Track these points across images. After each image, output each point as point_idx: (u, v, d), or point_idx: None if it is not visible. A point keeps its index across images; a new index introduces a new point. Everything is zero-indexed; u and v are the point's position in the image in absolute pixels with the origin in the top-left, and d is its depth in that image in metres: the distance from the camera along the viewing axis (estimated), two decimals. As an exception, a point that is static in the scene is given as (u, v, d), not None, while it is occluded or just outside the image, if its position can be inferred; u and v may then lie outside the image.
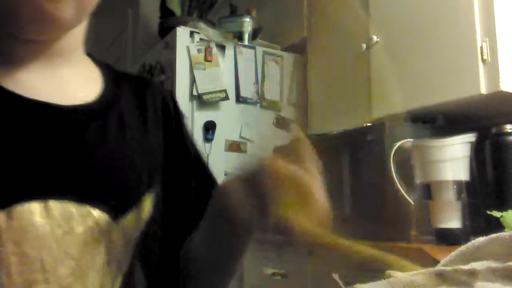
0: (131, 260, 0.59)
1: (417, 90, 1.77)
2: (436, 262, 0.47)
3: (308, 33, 2.42)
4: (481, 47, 1.56)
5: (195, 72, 2.25)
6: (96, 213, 0.55)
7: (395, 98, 1.87)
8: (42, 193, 0.53)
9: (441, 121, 1.81)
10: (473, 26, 1.59)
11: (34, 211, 0.51)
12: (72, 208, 0.54)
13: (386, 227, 1.58)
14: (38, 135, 0.55)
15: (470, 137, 1.44)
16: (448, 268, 0.41)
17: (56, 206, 0.53)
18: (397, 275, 0.45)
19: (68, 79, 0.62)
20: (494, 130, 1.53)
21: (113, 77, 0.68)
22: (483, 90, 1.55)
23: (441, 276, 0.42)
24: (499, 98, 1.58)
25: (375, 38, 1.96)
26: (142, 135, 0.66)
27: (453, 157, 1.43)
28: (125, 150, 0.62)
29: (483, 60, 1.56)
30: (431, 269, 0.43)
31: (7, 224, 0.50)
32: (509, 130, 1.51)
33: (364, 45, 2.01)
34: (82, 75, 0.65)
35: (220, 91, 2.28)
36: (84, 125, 0.59)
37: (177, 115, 0.73)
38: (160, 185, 0.66)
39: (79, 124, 0.58)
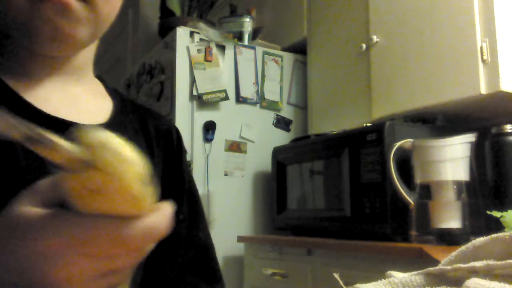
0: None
1: (417, 90, 1.77)
2: (436, 262, 0.47)
3: (308, 33, 2.42)
4: (481, 47, 1.56)
5: (195, 72, 2.25)
6: None
7: (395, 98, 1.87)
8: None
9: (441, 121, 1.81)
10: (473, 26, 1.59)
11: None
12: None
13: (386, 227, 1.58)
14: None
15: (470, 137, 1.44)
16: (448, 267, 0.41)
17: None
18: (397, 275, 0.45)
19: (79, 97, 0.62)
20: (494, 130, 1.54)
21: (122, 102, 0.69)
22: (483, 90, 1.55)
23: (441, 276, 0.42)
24: (499, 98, 1.58)
25: (375, 38, 1.97)
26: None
27: (453, 157, 1.43)
28: None
29: (483, 60, 1.56)
30: (431, 268, 0.43)
31: None
32: (509, 130, 1.51)
33: (364, 45, 2.01)
34: (92, 95, 0.66)
35: (220, 91, 2.28)
36: None
37: (179, 148, 0.74)
38: None
39: None
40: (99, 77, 0.71)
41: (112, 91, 0.70)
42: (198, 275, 0.72)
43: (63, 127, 0.56)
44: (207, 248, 0.75)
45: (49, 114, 0.56)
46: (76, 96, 0.62)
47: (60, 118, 0.57)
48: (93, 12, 0.56)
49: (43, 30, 0.54)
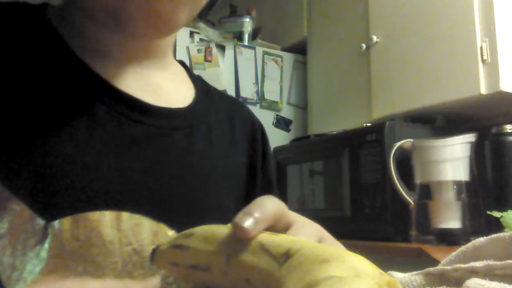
0: None
1: (417, 90, 1.77)
2: (436, 262, 0.47)
3: (308, 33, 2.42)
4: (481, 47, 1.56)
5: (195, 72, 2.25)
6: (171, 233, 0.49)
7: (395, 98, 1.87)
8: (117, 200, 0.47)
9: (441, 121, 1.81)
10: (473, 26, 1.59)
11: (102, 221, 0.45)
12: (145, 224, 0.47)
13: (386, 227, 1.58)
14: (126, 135, 0.50)
15: (470, 137, 1.44)
16: (448, 267, 0.41)
17: (128, 219, 0.46)
18: (397, 275, 0.45)
19: (160, 81, 0.58)
20: (494, 130, 1.53)
21: (205, 89, 0.65)
22: (483, 90, 1.55)
23: (441, 276, 0.42)
24: (499, 98, 1.58)
25: (375, 38, 1.96)
26: (227, 155, 0.61)
27: (453, 157, 1.43)
28: (210, 169, 0.57)
29: (483, 60, 1.56)
30: (431, 269, 0.43)
31: (71, 234, 0.44)
32: (509, 130, 1.51)
33: (364, 45, 2.01)
34: (173, 80, 0.61)
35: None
36: (173, 130, 0.55)
37: (264, 142, 0.69)
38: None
39: (168, 128, 0.54)
40: (181, 62, 0.66)
41: (196, 78, 0.66)
42: None
43: (137, 108, 0.52)
44: None
45: (133, 97, 0.52)
46: (155, 80, 0.57)
47: (135, 98, 0.52)
48: None
49: (138, 15, 0.48)
